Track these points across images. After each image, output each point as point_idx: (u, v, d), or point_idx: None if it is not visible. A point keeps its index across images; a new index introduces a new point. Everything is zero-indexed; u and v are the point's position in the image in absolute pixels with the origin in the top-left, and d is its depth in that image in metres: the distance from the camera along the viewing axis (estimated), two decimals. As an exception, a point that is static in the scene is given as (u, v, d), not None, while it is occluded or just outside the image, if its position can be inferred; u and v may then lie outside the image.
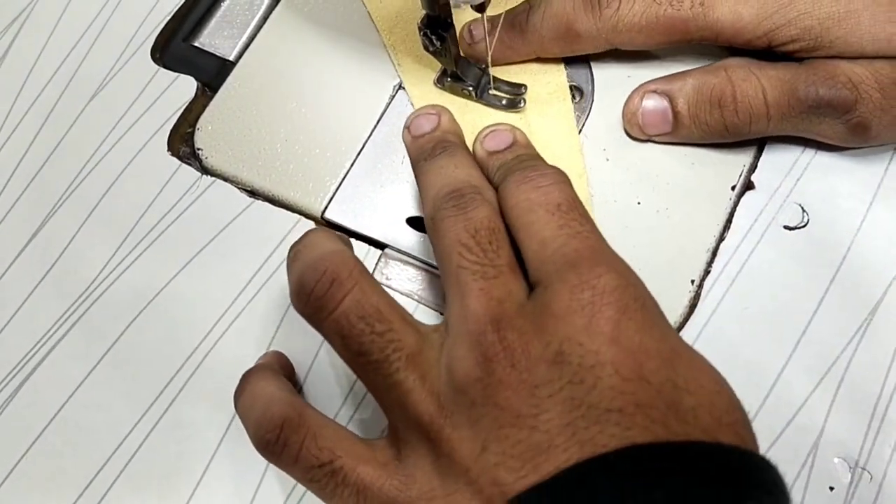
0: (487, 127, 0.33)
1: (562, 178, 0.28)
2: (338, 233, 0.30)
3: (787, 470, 0.30)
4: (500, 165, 0.30)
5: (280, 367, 0.31)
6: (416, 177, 0.32)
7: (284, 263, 0.34)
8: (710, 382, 0.23)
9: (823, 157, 0.34)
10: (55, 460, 0.32)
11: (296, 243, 0.28)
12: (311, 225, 0.35)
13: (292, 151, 0.36)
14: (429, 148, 0.32)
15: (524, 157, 0.31)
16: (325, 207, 0.35)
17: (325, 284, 0.25)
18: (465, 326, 0.24)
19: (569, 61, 0.37)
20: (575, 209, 0.27)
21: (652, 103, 0.34)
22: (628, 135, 0.35)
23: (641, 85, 0.35)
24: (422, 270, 0.34)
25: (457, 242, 0.26)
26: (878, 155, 0.34)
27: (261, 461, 0.31)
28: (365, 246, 0.34)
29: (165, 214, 0.36)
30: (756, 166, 0.34)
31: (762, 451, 0.22)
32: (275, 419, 0.25)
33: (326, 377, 0.32)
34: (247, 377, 0.29)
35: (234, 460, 0.31)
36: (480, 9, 0.31)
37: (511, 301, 0.25)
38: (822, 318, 0.32)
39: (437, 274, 0.33)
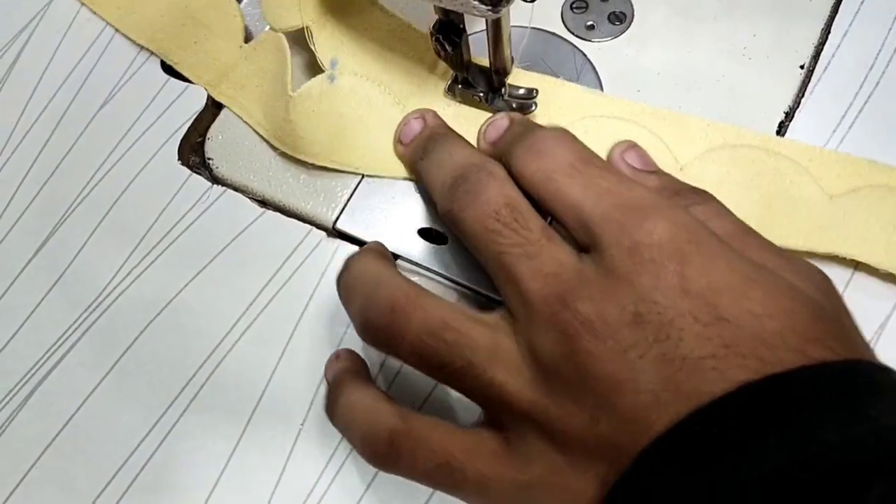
0: (486, 121, 0.33)
1: (559, 133, 0.28)
2: (374, 244, 0.31)
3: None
4: (502, 150, 0.31)
5: (363, 369, 0.31)
6: (420, 179, 0.33)
7: (296, 273, 0.34)
8: (789, 301, 0.23)
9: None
10: (65, 470, 0.32)
11: (343, 276, 0.28)
12: (322, 235, 0.35)
13: (303, 161, 0.36)
14: (421, 148, 0.32)
15: (518, 131, 0.31)
16: (337, 218, 0.35)
17: (388, 316, 0.26)
18: (532, 310, 0.24)
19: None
20: (589, 163, 0.27)
21: None
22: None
23: None
24: (434, 282, 0.34)
25: (485, 230, 0.26)
26: None
27: (273, 472, 0.31)
28: (376, 257, 0.34)
29: (176, 224, 0.36)
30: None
31: None
32: (382, 433, 0.26)
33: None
34: (339, 388, 0.28)
35: (246, 471, 0.31)
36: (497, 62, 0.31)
37: (566, 271, 0.25)
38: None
39: (448, 285, 0.33)
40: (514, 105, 0.35)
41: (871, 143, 0.34)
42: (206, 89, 0.38)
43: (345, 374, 0.30)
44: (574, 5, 0.39)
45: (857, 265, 0.32)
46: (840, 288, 0.28)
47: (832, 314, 0.23)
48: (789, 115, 0.35)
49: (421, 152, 0.32)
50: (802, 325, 0.22)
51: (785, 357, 0.21)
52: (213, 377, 0.33)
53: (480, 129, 0.34)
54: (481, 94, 0.35)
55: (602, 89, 0.37)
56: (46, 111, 0.39)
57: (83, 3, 0.41)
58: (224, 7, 0.39)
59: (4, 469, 0.32)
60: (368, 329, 0.26)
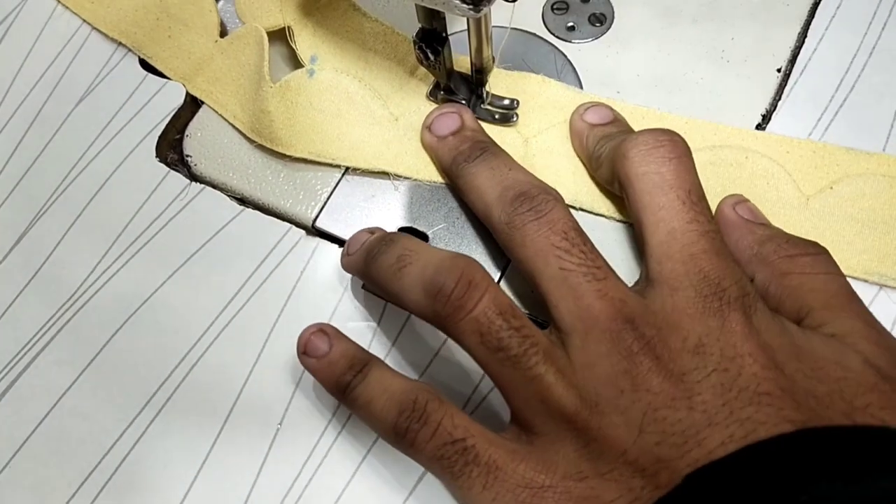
0: (583, 105, 0.34)
1: (687, 149, 0.28)
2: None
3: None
4: (602, 136, 0.31)
5: None
6: (456, 179, 0.32)
7: (275, 272, 0.34)
8: (835, 370, 0.24)
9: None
10: (39, 469, 0.32)
11: (388, 248, 0.28)
12: (301, 233, 0.35)
13: (283, 160, 0.36)
14: (465, 149, 0.32)
15: (628, 132, 0.31)
16: (317, 216, 0.35)
17: (463, 286, 0.26)
18: (594, 325, 0.25)
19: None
20: (702, 199, 0.27)
21: None
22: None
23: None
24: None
25: (550, 246, 0.27)
26: None
27: (250, 472, 0.31)
28: (355, 256, 0.34)
29: (153, 221, 0.36)
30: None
31: None
32: (415, 396, 0.26)
33: (317, 391, 0.32)
34: (366, 368, 0.28)
35: (222, 472, 0.31)
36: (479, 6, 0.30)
37: (631, 300, 0.26)
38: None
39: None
40: (496, 115, 0.35)
41: (845, 145, 0.34)
42: (182, 83, 0.38)
43: (373, 359, 0.29)
44: (555, 6, 0.39)
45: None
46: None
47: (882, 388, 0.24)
48: (766, 118, 0.35)
49: (466, 155, 0.32)
50: (851, 394, 0.23)
51: (834, 417, 0.23)
52: (190, 376, 0.33)
53: (577, 109, 0.34)
54: (463, 102, 0.35)
55: (582, 90, 0.37)
56: (22, 107, 0.39)
57: (56, -1, 0.41)
58: (199, 2, 0.39)
59: (-24, 469, 0.32)
60: (440, 294, 0.26)
